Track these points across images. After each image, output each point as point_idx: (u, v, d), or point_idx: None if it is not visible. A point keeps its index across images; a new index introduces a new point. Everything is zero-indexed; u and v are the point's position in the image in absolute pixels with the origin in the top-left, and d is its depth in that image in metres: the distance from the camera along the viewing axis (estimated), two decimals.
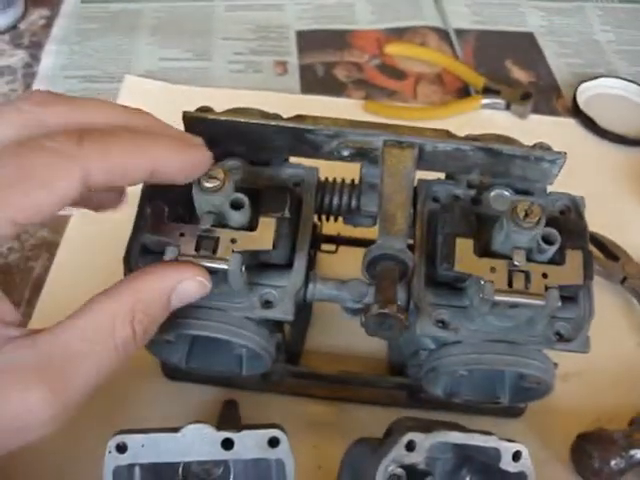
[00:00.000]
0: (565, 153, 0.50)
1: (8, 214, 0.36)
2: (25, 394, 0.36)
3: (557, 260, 0.46)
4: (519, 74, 0.93)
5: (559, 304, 0.44)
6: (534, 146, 0.51)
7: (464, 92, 0.90)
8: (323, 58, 0.93)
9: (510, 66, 0.94)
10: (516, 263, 0.45)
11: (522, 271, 0.45)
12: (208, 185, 0.44)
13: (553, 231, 0.45)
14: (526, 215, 0.44)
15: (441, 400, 0.55)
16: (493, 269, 0.45)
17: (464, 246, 0.46)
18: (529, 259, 0.45)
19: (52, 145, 0.37)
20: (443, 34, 0.98)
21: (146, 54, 0.92)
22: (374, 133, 0.50)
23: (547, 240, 0.45)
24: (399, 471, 0.49)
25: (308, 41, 0.96)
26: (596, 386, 0.63)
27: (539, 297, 0.44)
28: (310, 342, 0.63)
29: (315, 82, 0.90)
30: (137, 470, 0.47)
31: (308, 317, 0.63)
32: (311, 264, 0.61)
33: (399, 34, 0.98)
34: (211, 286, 0.44)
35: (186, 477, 0.50)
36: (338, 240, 0.61)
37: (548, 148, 0.51)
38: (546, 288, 0.45)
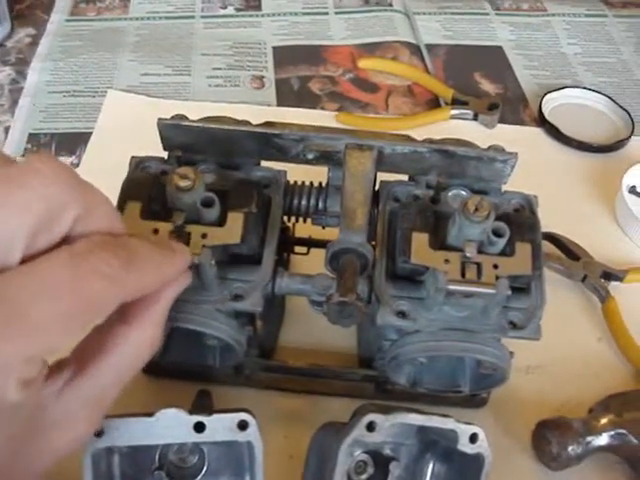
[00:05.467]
0: (516, 154, 0.54)
1: (58, 343, 0.36)
2: (76, 435, 0.42)
3: (507, 252, 0.49)
4: (488, 86, 0.97)
5: (509, 292, 0.47)
6: (488, 148, 0.55)
7: (434, 104, 0.94)
8: (298, 72, 0.96)
9: (479, 78, 0.98)
10: (468, 255, 0.48)
11: (474, 263, 0.48)
12: (181, 184, 0.47)
13: (502, 224, 0.48)
14: (476, 209, 0.47)
15: (407, 392, 0.58)
16: (447, 261, 0.48)
17: (419, 240, 0.49)
18: (481, 251, 0.49)
19: (107, 271, 0.37)
20: (414, 48, 1.02)
21: (128, 70, 0.95)
22: (336, 137, 0.53)
23: (497, 233, 0.48)
24: (364, 457, 0.52)
25: (284, 56, 0.99)
26: (558, 378, 0.66)
27: (490, 286, 0.47)
28: (283, 338, 0.66)
29: (291, 95, 0.93)
30: (116, 457, 0.50)
31: (281, 314, 0.66)
32: (284, 265, 0.64)
33: (372, 49, 1.01)
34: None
35: (163, 465, 0.52)
36: (309, 242, 0.64)
37: (502, 150, 0.55)
38: (497, 278, 0.48)
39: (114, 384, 0.43)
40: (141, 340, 0.43)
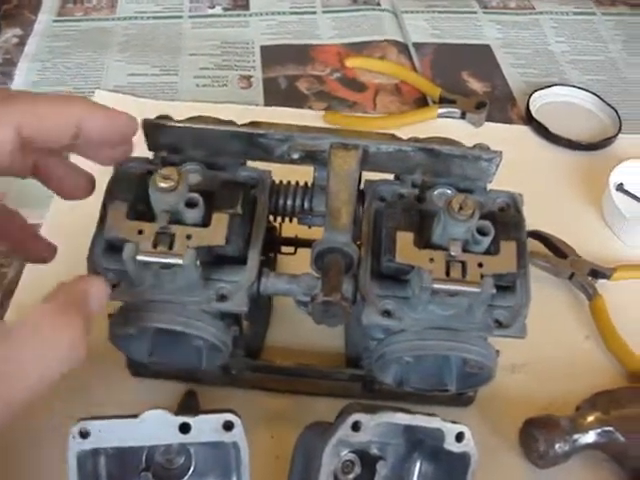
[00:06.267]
0: (501, 152, 0.54)
1: None
2: None
3: (492, 251, 0.49)
4: (475, 85, 0.97)
5: (493, 291, 0.47)
6: (473, 147, 0.55)
7: (422, 102, 0.94)
8: (286, 72, 0.97)
9: (467, 77, 0.98)
10: (452, 253, 0.48)
11: (459, 261, 0.48)
12: (163, 185, 0.47)
13: (487, 223, 0.48)
14: (460, 208, 0.47)
15: (394, 391, 0.58)
16: (432, 260, 0.48)
17: (404, 239, 0.49)
18: (466, 250, 0.49)
19: None
20: (402, 47, 1.02)
21: (115, 70, 0.95)
22: (321, 136, 0.53)
23: (481, 231, 0.48)
24: (352, 456, 0.52)
25: (272, 56, 0.99)
26: (545, 376, 0.66)
27: (475, 285, 0.47)
28: (270, 338, 0.66)
29: (278, 95, 0.93)
30: (102, 459, 0.50)
31: (268, 314, 0.66)
32: (271, 265, 0.64)
33: (360, 48, 1.01)
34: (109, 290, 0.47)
35: (149, 466, 0.52)
36: (296, 242, 0.64)
37: (487, 148, 0.55)
38: (482, 277, 0.48)
39: (27, 361, 0.40)
40: (56, 312, 0.42)
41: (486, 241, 0.48)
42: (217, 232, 0.49)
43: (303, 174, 0.57)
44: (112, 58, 0.97)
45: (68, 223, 0.64)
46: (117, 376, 0.62)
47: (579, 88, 0.96)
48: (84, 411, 0.49)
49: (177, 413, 0.48)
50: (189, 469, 0.53)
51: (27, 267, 0.70)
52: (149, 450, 0.52)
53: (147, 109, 0.72)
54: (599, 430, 0.58)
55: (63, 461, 0.47)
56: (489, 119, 0.91)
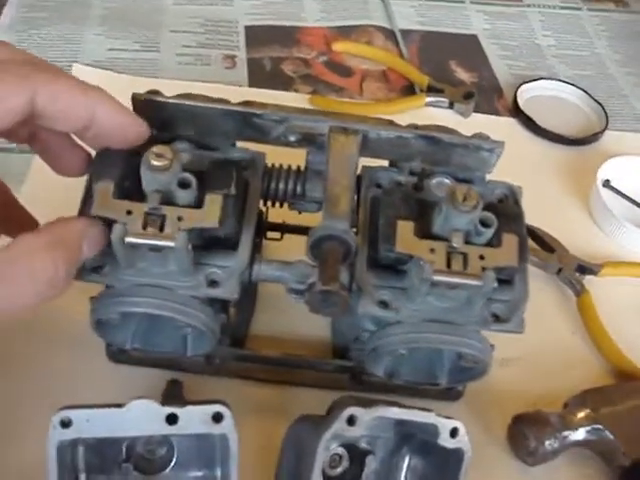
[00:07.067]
0: (503, 142, 0.52)
1: None
2: None
3: (494, 243, 0.48)
4: (462, 75, 0.96)
5: (495, 284, 0.46)
6: (473, 136, 0.53)
7: (409, 90, 0.92)
8: (271, 53, 0.94)
9: (454, 66, 0.97)
10: (454, 245, 0.46)
11: (460, 253, 0.47)
12: (156, 164, 0.44)
13: (490, 215, 0.47)
14: (464, 199, 0.45)
15: (382, 383, 0.56)
16: (432, 250, 0.47)
17: (405, 228, 0.47)
18: (467, 242, 0.47)
19: (7, 67, 0.42)
20: (389, 33, 1.00)
21: (94, 44, 0.92)
22: (321, 119, 0.51)
23: (484, 223, 0.47)
24: (340, 450, 0.51)
25: (257, 36, 0.97)
26: (533, 371, 0.65)
27: (476, 278, 0.46)
28: (255, 326, 0.64)
29: (263, 76, 0.91)
30: (80, 450, 0.48)
31: (254, 301, 0.64)
32: (257, 251, 0.62)
33: (346, 32, 0.99)
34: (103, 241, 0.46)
35: (130, 457, 0.50)
36: (283, 228, 0.62)
37: (487, 138, 0.53)
38: (483, 269, 0.46)
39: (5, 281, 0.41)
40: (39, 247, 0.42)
41: (489, 233, 0.47)
42: (210, 213, 0.46)
43: (292, 157, 0.55)
44: (91, 32, 0.93)
45: (45, 198, 0.61)
46: (96, 362, 0.59)
47: (566, 82, 0.95)
48: (59, 399, 0.47)
49: (163, 403, 0.46)
50: (171, 460, 0.51)
51: None
52: (130, 441, 0.50)
53: (128, 85, 0.70)
54: (589, 428, 0.58)
55: (41, 452, 0.45)
56: (476, 110, 0.90)
